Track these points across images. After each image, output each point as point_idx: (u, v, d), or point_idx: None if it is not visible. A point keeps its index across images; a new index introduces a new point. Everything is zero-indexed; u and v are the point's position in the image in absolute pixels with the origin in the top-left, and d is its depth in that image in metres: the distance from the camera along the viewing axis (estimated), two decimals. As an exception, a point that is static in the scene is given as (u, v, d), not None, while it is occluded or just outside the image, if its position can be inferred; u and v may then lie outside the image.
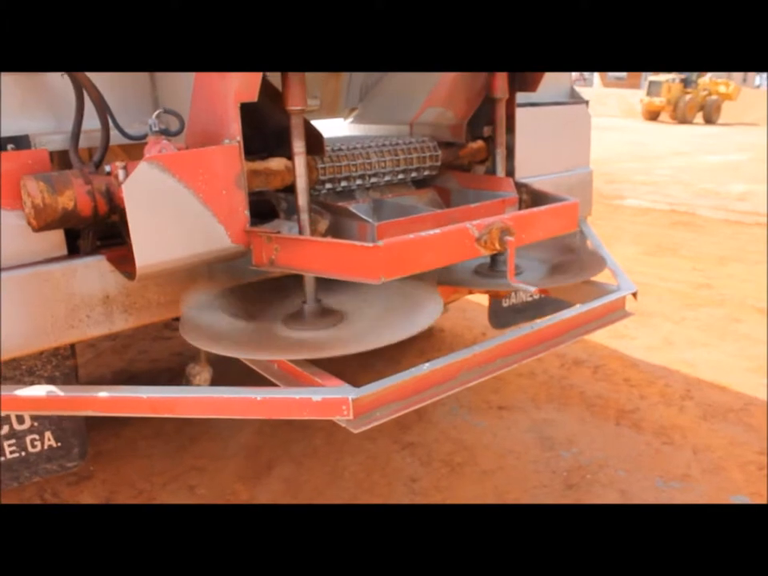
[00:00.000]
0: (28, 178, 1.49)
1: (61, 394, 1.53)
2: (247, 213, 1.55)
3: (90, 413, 1.51)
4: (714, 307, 4.67)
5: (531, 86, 2.03)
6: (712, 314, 4.51)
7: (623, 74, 46.28)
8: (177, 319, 2.11)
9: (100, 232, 1.78)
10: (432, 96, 2.15)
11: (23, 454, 1.91)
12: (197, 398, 1.46)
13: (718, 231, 7.39)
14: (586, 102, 2.88)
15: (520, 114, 2.20)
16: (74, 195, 1.51)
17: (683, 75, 27.09)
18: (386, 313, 1.71)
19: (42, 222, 1.50)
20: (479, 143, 2.18)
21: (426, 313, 1.65)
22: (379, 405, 1.38)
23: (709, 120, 26.47)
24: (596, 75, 48.08)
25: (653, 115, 27.02)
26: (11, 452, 1.89)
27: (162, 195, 1.43)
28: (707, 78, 28.15)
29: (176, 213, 1.46)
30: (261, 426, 3.02)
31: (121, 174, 1.51)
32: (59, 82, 1.79)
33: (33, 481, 1.99)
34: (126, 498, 2.55)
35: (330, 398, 1.34)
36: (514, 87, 2.06)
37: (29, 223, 1.54)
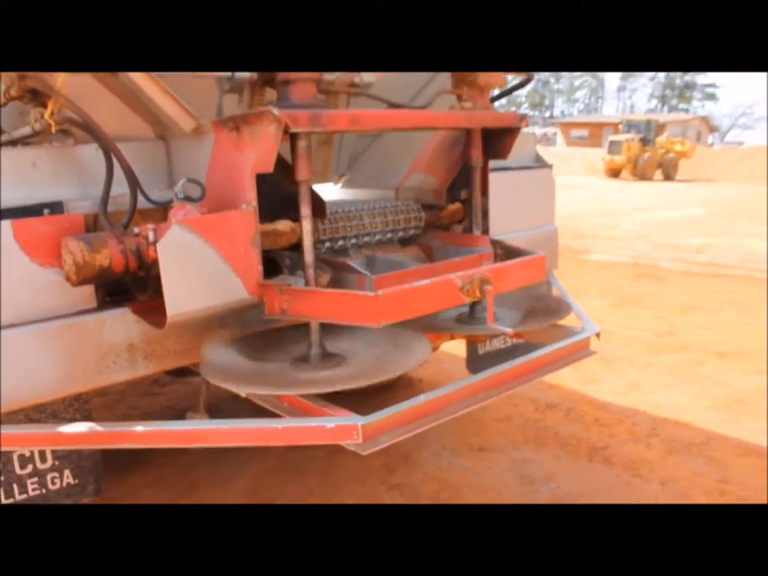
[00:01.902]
0: (70, 238, 1.71)
1: (102, 429, 1.71)
2: (261, 268, 1.78)
3: (128, 445, 1.68)
4: (676, 353, 4.97)
5: (502, 155, 2.32)
6: (675, 359, 4.80)
7: (585, 134, 48.09)
8: (178, 370, 2.31)
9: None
10: (415, 163, 2.43)
11: (44, 491, 2.06)
12: (225, 429, 1.65)
13: (678, 282, 7.76)
14: (550, 166, 3.20)
15: (492, 178, 2.49)
16: (110, 254, 1.73)
17: (641, 135, 28.29)
18: (381, 355, 1.93)
19: (81, 277, 1.71)
20: (457, 205, 2.45)
21: (417, 354, 1.88)
22: (384, 431, 1.59)
23: (668, 177, 27.59)
24: (559, 135, 49.92)
25: (614, 173, 28.05)
26: (33, 489, 2.04)
27: (190, 253, 1.66)
28: (664, 137, 29.48)
29: (201, 268, 1.68)
30: (258, 471, 3.17)
31: (151, 235, 1.73)
32: (86, 154, 2.02)
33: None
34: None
35: (342, 425, 1.55)
36: (487, 155, 2.35)
37: (68, 279, 1.74)
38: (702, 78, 77.23)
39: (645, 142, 27.89)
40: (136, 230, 1.82)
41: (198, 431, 1.68)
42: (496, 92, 2.78)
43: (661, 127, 32.13)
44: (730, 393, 4.09)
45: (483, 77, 2.16)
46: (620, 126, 31.06)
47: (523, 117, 2.28)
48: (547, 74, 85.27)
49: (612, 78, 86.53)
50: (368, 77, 2.30)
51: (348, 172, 2.88)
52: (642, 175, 27.00)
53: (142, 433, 1.65)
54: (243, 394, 1.73)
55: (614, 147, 28.06)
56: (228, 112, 2.00)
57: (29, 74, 1.86)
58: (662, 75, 79.50)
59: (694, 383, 4.29)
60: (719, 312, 6.25)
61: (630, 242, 11.07)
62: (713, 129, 60.13)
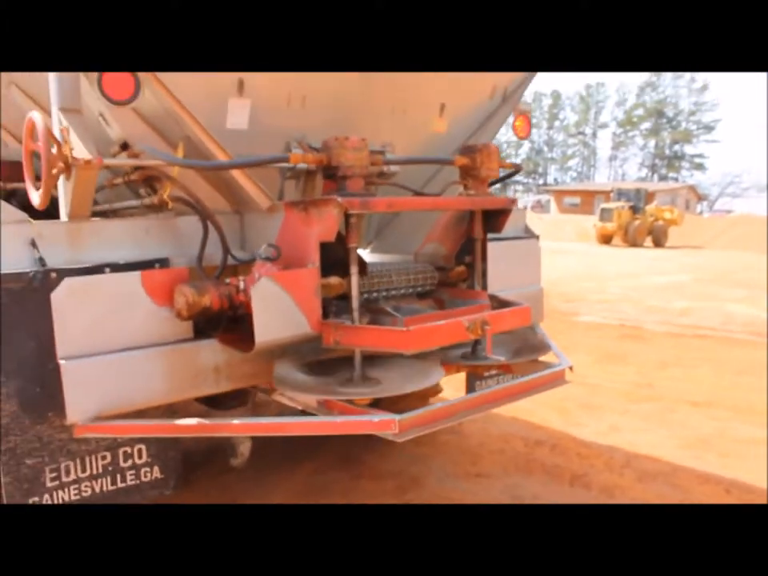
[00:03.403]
0: (183, 285, 2.35)
1: (208, 422, 2.31)
2: (321, 311, 2.41)
3: (229, 434, 2.28)
4: (653, 402, 5.56)
5: (498, 229, 2.99)
6: (651, 407, 5.39)
7: (578, 201, 49.53)
8: (214, 400, 2.90)
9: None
10: (430, 235, 3.10)
11: (138, 481, 2.64)
12: (303, 422, 2.27)
13: (661, 342, 8.36)
14: (537, 237, 3.88)
15: (490, 246, 3.15)
16: (211, 297, 2.36)
17: (631, 203, 29.16)
18: (407, 378, 2.55)
19: (190, 313, 2.34)
20: (462, 268, 3.11)
21: (434, 376, 2.50)
22: (413, 426, 2.19)
23: (658, 243, 28.22)
24: (552, 202, 51.36)
25: (606, 239, 28.69)
26: (131, 480, 2.62)
27: (273, 297, 2.30)
28: (653, 206, 30.39)
29: (280, 309, 2.31)
30: (287, 494, 3.71)
31: (241, 284, 2.38)
32: (183, 223, 2.68)
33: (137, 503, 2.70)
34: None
35: (384, 420, 2.15)
36: (486, 229, 3.01)
37: (179, 314, 2.37)
38: (691, 148, 79.85)
39: (635, 209, 28.71)
40: (227, 280, 2.47)
41: (282, 424, 2.29)
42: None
43: (650, 195, 33.10)
44: (696, 435, 4.67)
45: (484, 171, 2.84)
46: (611, 194, 32.03)
47: (513, 200, 2.96)
48: (541, 142, 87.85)
49: (604, 148, 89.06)
50: (394, 168, 2.99)
51: (374, 240, 3.55)
52: (632, 242, 27.71)
53: (239, 425, 2.26)
54: (311, 401, 2.34)
55: (605, 214, 28.82)
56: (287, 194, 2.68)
57: (151, 165, 2.52)
58: (651, 145, 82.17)
59: (666, 427, 4.87)
60: (696, 368, 6.85)
61: (618, 305, 11.63)
62: (701, 197, 61.85)
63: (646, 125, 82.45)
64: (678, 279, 15.69)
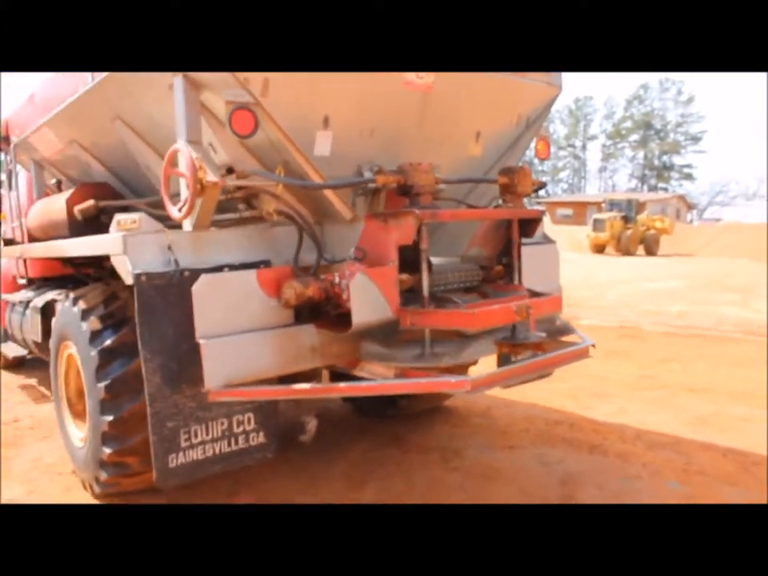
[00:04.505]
0: (293, 279, 2.96)
1: (320, 386, 2.91)
2: (399, 299, 3.02)
3: (336, 395, 2.88)
4: (655, 390, 6.18)
5: (530, 235, 3.61)
6: (654, 394, 6.01)
7: (570, 212, 50.39)
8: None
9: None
10: (473, 240, 3.71)
11: (247, 445, 3.23)
12: (397, 383, 2.89)
13: (659, 341, 8.96)
14: (555, 242, 4.51)
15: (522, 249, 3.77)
16: (313, 289, 2.97)
17: (623, 213, 29.76)
18: (463, 353, 3.15)
19: (298, 302, 2.95)
20: (500, 267, 3.72)
21: (484, 350, 3.11)
22: (479, 385, 2.78)
23: (650, 252, 28.85)
24: (545, 214, 52.08)
25: (599, 249, 29.29)
26: (242, 443, 3.21)
27: (365, 288, 2.90)
28: (645, 215, 31.08)
29: (370, 297, 2.92)
30: (352, 458, 4.30)
31: (336, 279, 2.98)
32: (278, 231, 3.29)
33: (247, 464, 3.28)
34: (277, 499, 3.79)
35: (459, 380, 2.74)
36: (520, 235, 3.63)
37: (287, 303, 2.98)
38: (679, 159, 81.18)
39: (627, 219, 29.38)
40: (322, 276, 3.08)
41: (382, 385, 2.90)
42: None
43: (641, 206, 33.72)
44: (696, 414, 5.29)
45: (520, 187, 3.47)
46: (603, 205, 32.67)
47: (543, 212, 3.59)
48: (531, 155, 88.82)
49: (594, 160, 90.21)
50: (441, 185, 3.61)
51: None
52: (625, 251, 28.37)
53: (346, 387, 2.87)
54: (390, 367, 2.95)
55: (598, 225, 29.48)
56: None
57: (256, 184, 3.13)
58: (640, 156, 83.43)
59: (669, 409, 5.49)
60: (693, 362, 7.48)
61: (616, 309, 12.22)
62: (690, 206, 62.87)
63: (635, 136, 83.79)
64: (671, 285, 16.27)
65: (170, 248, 2.96)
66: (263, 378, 3.03)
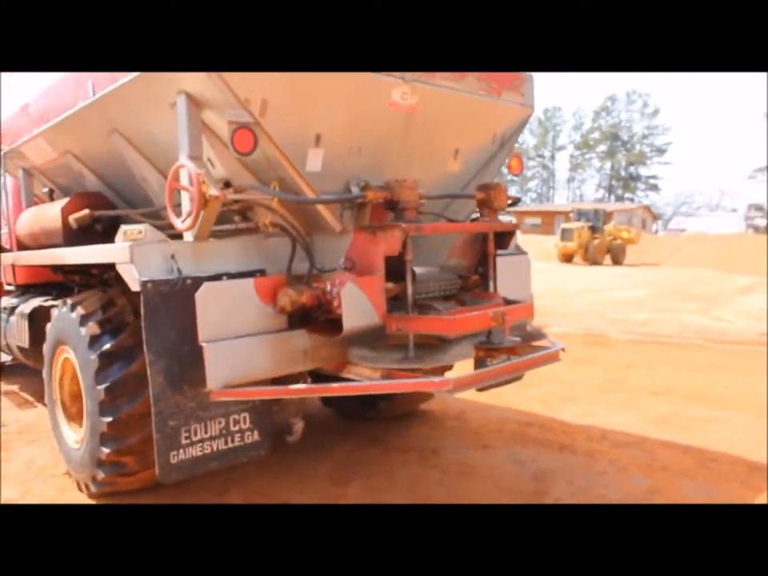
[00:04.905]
0: (287, 287, 3.18)
1: (315, 386, 3.13)
2: (385, 306, 3.26)
3: (329, 394, 3.11)
4: (620, 393, 6.51)
5: (506, 246, 3.89)
6: (620, 397, 6.34)
7: (538, 222, 51.20)
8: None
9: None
10: (452, 251, 3.97)
11: (242, 443, 3.44)
12: (383, 384, 3.12)
13: (625, 348, 9.33)
14: (526, 253, 4.80)
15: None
16: (306, 297, 3.20)
17: (590, 223, 30.23)
18: (443, 356, 3.40)
19: (292, 308, 3.18)
20: (477, 277, 3.99)
21: (463, 354, 3.36)
22: (460, 385, 3.03)
23: (616, 261, 29.46)
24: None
25: (567, 258, 29.81)
26: (237, 440, 3.42)
27: (354, 295, 3.14)
28: (611, 225, 31.76)
29: (358, 304, 3.16)
30: (337, 458, 4.52)
31: (327, 286, 3.21)
32: (272, 242, 3.52)
33: (242, 461, 3.48)
34: (266, 497, 3.99)
35: (442, 380, 2.99)
36: (496, 246, 3.90)
37: (282, 310, 3.20)
38: (645, 170, 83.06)
39: (594, 229, 29.97)
40: (314, 284, 3.31)
41: (371, 385, 3.14)
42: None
43: (608, 216, 34.45)
44: (658, 415, 5.62)
45: (497, 203, 3.74)
46: (571, 215, 33.30)
47: (516, 225, 3.87)
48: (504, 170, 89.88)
49: (562, 170, 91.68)
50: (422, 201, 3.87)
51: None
52: (592, 260, 28.94)
53: (338, 387, 3.10)
54: (378, 368, 3.18)
55: (566, 234, 30.03)
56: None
57: (252, 197, 3.35)
58: (607, 167, 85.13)
59: (633, 411, 5.82)
60: (656, 367, 7.85)
61: (583, 318, 12.58)
62: (656, 217, 64.34)
63: (602, 147, 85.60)
64: (636, 294, 16.74)
65: (173, 257, 3.16)
66: (259, 380, 3.24)
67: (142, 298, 3.01)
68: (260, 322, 3.25)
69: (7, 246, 5.74)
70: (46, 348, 4.41)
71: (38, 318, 5.37)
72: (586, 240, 29.42)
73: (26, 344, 5.41)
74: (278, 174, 3.40)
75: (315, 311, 3.33)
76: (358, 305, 3.15)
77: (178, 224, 3.20)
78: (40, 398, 6.52)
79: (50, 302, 5.47)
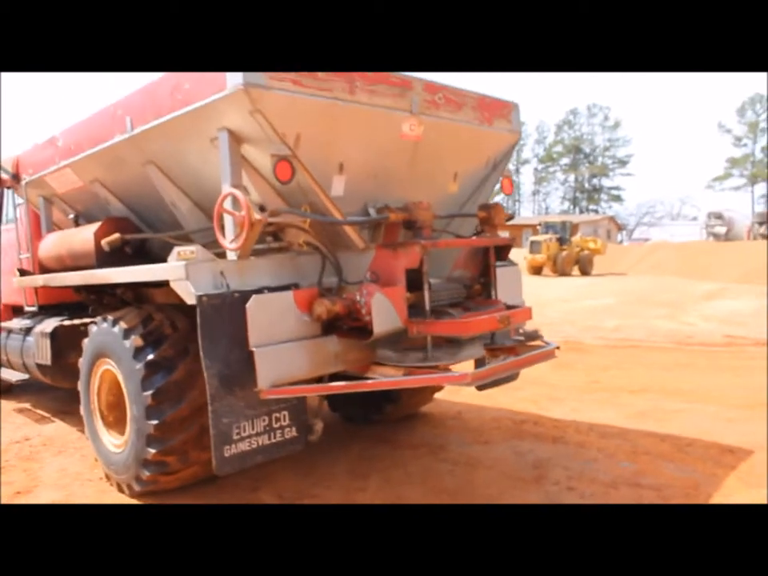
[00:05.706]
0: (323, 298, 3.64)
1: (352, 383, 3.58)
2: (407, 312, 3.73)
3: (364, 389, 3.57)
4: (601, 392, 7.07)
5: (504, 258, 4.41)
6: (601, 396, 6.89)
7: (506, 235, 52.12)
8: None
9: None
10: (456, 263, 4.47)
11: (283, 438, 3.86)
12: (412, 379, 3.58)
13: (600, 352, 9.90)
14: (517, 264, 5.33)
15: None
16: (339, 306, 3.66)
17: (558, 235, 31.04)
18: (457, 355, 3.89)
19: (328, 317, 3.63)
20: (479, 285, 4.49)
21: (475, 353, 3.85)
22: (476, 378, 3.51)
23: (584, 272, 30.22)
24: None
25: (536, 270, 30.46)
26: (279, 436, 3.85)
27: (382, 304, 3.61)
28: (578, 237, 32.54)
29: (385, 311, 3.63)
30: (354, 455, 4.95)
31: (357, 296, 3.68)
32: (303, 259, 3.97)
33: (282, 455, 3.90)
34: (295, 493, 4.41)
35: (462, 374, 3.46)
36: (495, 259, 4.41)
37: (318, 318, 3.65)
38: (608, 181, 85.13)
39: (562, 241, 30.81)
40: (344, 295, 3.77)
41: (402, 380, 3.60)
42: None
43: (575, 227, 35.34)
44: (636, 410, 6.18)
45: (496, 220, 4.26)
46: (538, 228, 34.08)
47: (513, 239, 4.39)
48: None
49: (527, 183, 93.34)
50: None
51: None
52: (561, 271, 29.72)
53: (373, 382, 3.56)
54: (400, 366, 3.65)
55: (534, 247, 30.72)
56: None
57: (287, 220, 3.81)
58: (571, 179, 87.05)
59: (614, 407, 6.37)
60: (630, 369, 8.44)
61: (558, 326, 13.10)
62: (620, 227, 65.98)
63: (565, 160, 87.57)
64: (606, 302, 17.41)
65: (222, 273, 3.60)
66: (298, 380, 3.68)
67: (198, 310, 3.44)
68: (298, 329, 3.69)
69: (29, 270, 6.07)
70: (83, 361, 4.77)
71: (59, 336, 5.73)
72: (554, 252, 30.16)
73: (47, 361, 5.74)
74: (308, 199, 3.85)
75: (343, 319, 3.78)
76: (385, 312, 3.62)
77: (228, 244, 3.63)
78: (56, 413, 6.87)
79: (68, 322, 5.83)
